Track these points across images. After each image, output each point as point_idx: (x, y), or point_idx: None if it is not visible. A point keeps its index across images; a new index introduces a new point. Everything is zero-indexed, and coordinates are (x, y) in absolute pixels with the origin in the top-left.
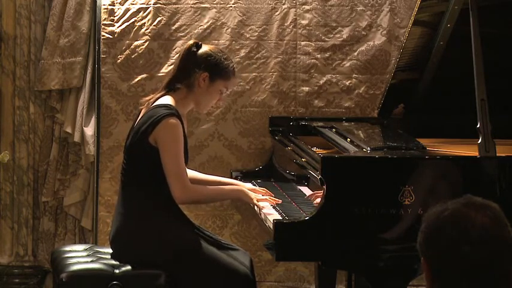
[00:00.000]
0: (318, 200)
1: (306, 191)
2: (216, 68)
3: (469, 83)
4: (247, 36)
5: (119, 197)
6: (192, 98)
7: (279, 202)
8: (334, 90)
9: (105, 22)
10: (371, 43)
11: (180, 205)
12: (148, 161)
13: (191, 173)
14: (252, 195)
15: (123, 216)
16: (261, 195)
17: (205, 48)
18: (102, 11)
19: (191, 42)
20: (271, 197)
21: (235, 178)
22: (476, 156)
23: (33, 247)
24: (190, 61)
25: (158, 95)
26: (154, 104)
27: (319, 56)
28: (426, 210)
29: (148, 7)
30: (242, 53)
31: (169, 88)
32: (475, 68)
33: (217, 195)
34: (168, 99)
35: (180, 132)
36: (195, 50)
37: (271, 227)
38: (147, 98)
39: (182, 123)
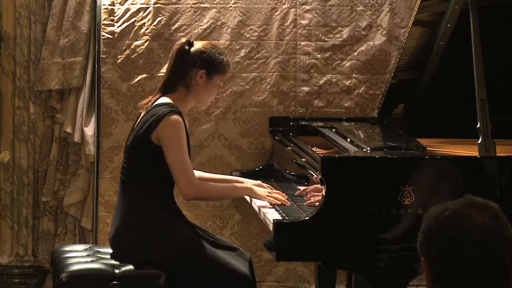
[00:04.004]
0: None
1: None
2: (212, 64)
3: (469, 83)
4: (247, 36)
5: (119, 197)
6: (191, 96)
7: (288, 204)
8: (334, 90)
9: (105, 22)
10: (371, 43)
11: (177, 204)
12: (149, 160)
13: (196, 173)
14: (261, 191)
15: (123, 215)
16: (268, 191)
17: (197, 45)
18: (102, 11)
19: (183, 40)
20: (280, 195)
21: None
22: (476, 156)
23: (33, 247)
24: (185, 60)
25: (155, 97)
26: (154, 104)
27: (319, 56)
28: (426, 210)
29: (148, 7)
30: (242, 53)
31: (166, 89)
32: (475, 68)
33: (225, 192)
34: (166, 100)
35: (182, 129)
36: (187, 48)
37: (271, 227)
38: (145, 102)
39: (184, 121)
